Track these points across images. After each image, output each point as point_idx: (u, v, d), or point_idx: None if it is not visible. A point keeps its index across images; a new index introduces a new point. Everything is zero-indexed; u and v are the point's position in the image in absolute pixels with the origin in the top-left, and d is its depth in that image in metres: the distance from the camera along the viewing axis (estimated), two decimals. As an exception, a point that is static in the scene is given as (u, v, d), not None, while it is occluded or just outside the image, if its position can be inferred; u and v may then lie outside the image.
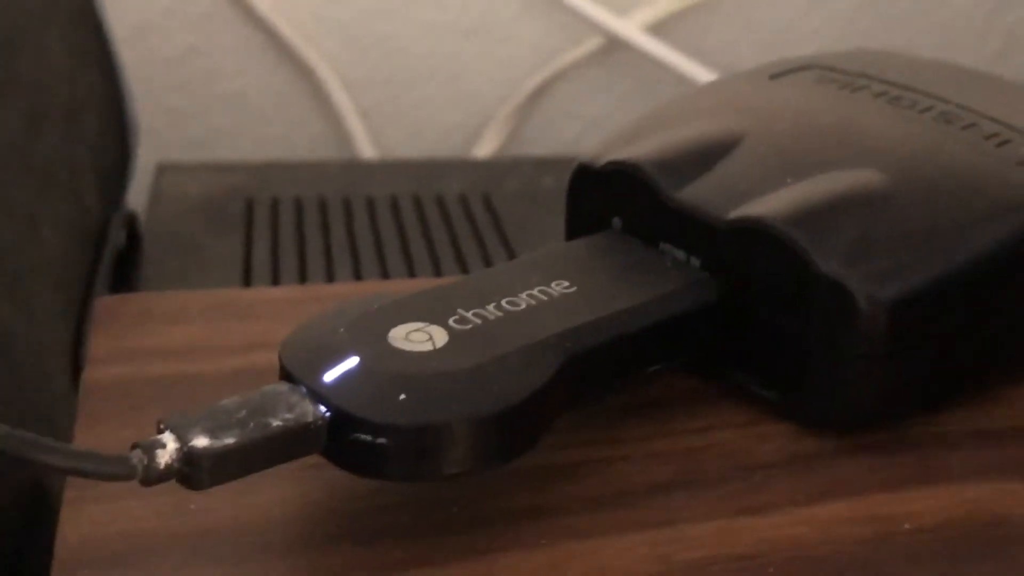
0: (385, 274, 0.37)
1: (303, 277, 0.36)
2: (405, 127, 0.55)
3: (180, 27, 0.52)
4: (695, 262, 0.22)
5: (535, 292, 0.20)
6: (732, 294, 0.21)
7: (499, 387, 0.18)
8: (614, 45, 0.54)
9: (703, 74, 0.52)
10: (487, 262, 0.38)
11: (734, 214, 0.21)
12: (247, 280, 0.36)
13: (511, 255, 0.38)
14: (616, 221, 0.23)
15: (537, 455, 0.19)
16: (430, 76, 0.54)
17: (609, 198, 0.23)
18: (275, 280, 0.36)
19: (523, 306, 0.20)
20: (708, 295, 0.21)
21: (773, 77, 0.26)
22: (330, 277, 0.36)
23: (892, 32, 0.56)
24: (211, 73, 0.53)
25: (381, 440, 0.17)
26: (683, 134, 0.23)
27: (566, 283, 0.21)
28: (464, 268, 0.38)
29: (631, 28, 0.53)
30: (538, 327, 0.19)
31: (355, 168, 0.50)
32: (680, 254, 0.22)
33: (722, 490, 0.20)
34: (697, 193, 0.22)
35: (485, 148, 0.54)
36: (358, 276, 0.36)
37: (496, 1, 0.54)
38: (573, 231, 0.24)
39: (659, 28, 0.54)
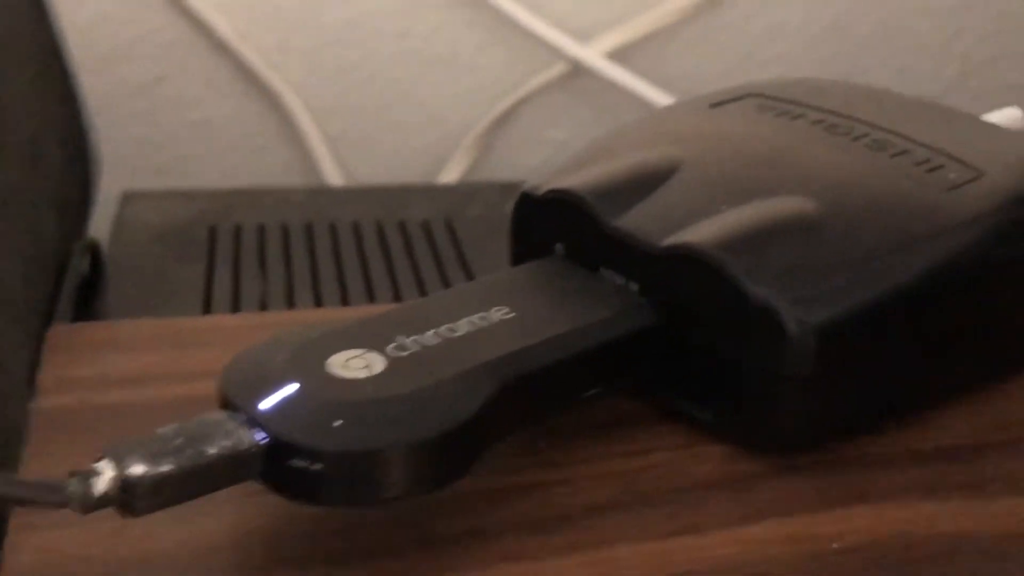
0: (346, 301, 0.37)
1: (264, 304, 0.36)
2: (372, 154, 0.55)
3: (146, 56, 0.52)
4: (634, 288, 0.22)
5: (474, 318, 0.21)
6: (669, 319, 0.22)
7: (434, 413, 0.18)
8: (578, 71, 0.54)
9: (665, 99, 0.53)
10: (447, 287, 0.38)
11: (668, 241, 0.21)
12: (208, 308, 0.36)
13: (471, 279, 0.39)
14: (559, 248, 0.23)
15: (475, 479, 0.19)
16: (396, 103, 0.55)
17: (551, 226, 0.23)
18: (236, 307, 0.36)
19: (462, 332, 0.20)
20: (645, 320, 0.22)
21: (714, 105, 0.26)
22: (291, 304, 0.36)
23: (852, 59, 0.57)
24: (178, 101, 0.53)
25: (316, 466, 0.18)
26: (622, 163, 0.23)
27: (505, 309, 0.21)
28: (424, 293, 0.38)
29: (594, 55, 0.54)
30: (475, 353, 0.20)
31: (319, 195, 0.50)
32: (620, 280, 0.22)
33: (658, 511, 0.20)
34: (634, 220, 0.22)
35: (451, 174, 0.55)
36: (319, 303, 0.37)
37: (461, 29, 0.54)
38: (518, 258, 0.24)
39: (621, 54, 0.54)
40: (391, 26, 0.54)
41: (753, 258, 0.21)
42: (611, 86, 0.54)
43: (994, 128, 0.26)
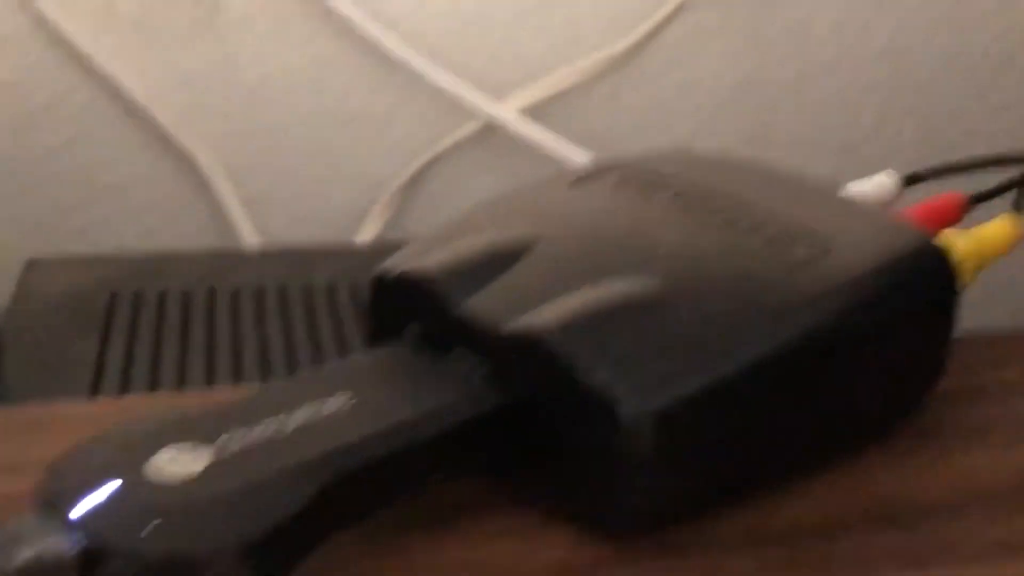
0: (239, 371, 0.37)
1: (154, 377, 0.36)
2: (289, 213, 0.55)
3: (60, 120, 0.52)
4: (481, 372, 0.22)
5: (311, 408, 0.20)
6: (514, 403, 0.21)
7: (252, 514, 0.18)
8: (492, 128, 0.55)
9: (580, 155, 0.53)
10: (344, 354, 0.38)
11: (510, 325, 0.21)
12: (97, 384, 0.36)
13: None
14: (412, 330, 0.23)
15: (308, 572, 0.19)
16: (312, 162, 0.55)
17: (404, 308, 0.23)
18: (126, 382, 0.36)
19: (296, 424, 0.20)
20: (489, 404, 0.21)
21: (575, 182, 0.26)
22: (182, 375, 0.36)
23: (764, 114, 0.57)
24: (91, 164, 0.53)
25: (131, 572, 0.17)
26: (475, 243, 0.23)
27: (346, 396, 0.21)
28: (322, 360, 0.38)
29: (507, 112, 0.54)
30: (305, 447, 0.19)
31: (227, 258, 0.50)
32: (470, 363, 0.22)
33: (499, 601, 0.20)
34: (480, 303, 0.22)
35: (369, 231, 0.55)
36: (211, 374, 0.36)
37: (376, 87, 0.54)
38: (375, 340, 0.24)
39: (535, 111, 0.55)
40: (306, 84, 0.54)
41: (591, 343, 0.21)
42: (526, 142, 0.54)
43: (852, 204, 0.26)
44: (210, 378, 0.36)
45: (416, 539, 0.21)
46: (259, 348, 0.38)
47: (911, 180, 0.30)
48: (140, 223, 0.54)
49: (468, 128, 0.54)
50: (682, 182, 0.26)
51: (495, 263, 0.23)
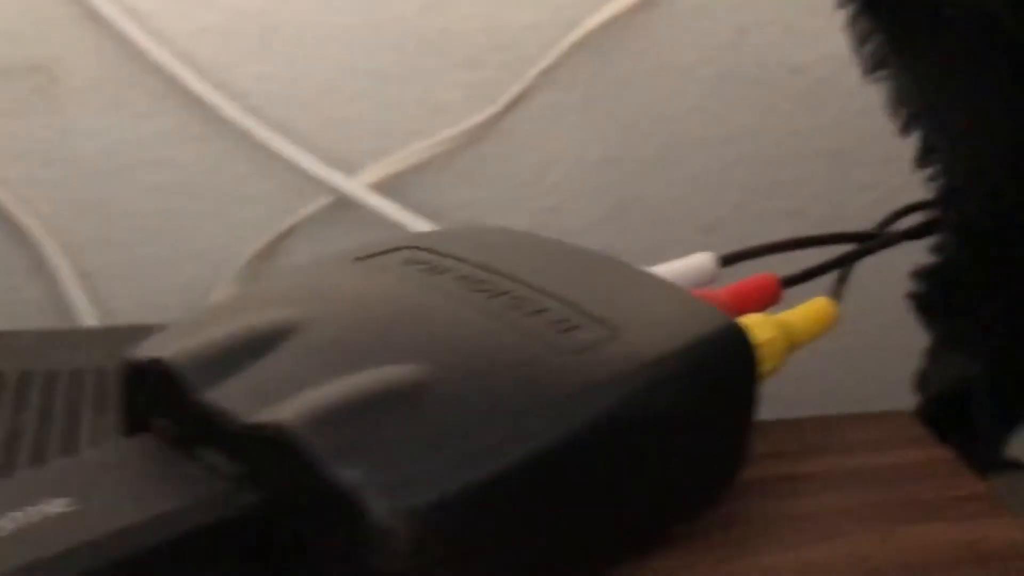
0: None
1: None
2: (130, 290, 0.53)
3: None
4: (231, 470, 0.20)
5: (23, 514, 0.18)
6: (260, 506, 0.20)
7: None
8: (344, 204, 0.53)
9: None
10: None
11: (254, 416, 0.19)
12: None
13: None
14: (160, 424, 0.21)
15: None
16: (155, 237, 0.53)
17: (152, 397, 0.21)
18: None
19: (5, 531, 0.18)
20: (231, 509, 0.19)
21: (359, 259, 0.25)
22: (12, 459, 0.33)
23: (627, 189, 0.57)
24: (-83, 238, 0.50)
25: None
26: (228, 328, 0.21)
27: (65, 500, 0.19)
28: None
29: (359, 187, 0.52)
30: (4, 558, 0.17)
31: (51, 337, 0.47)
32: (213, 462, 0.20)
33: None
34: (226, 393, 0.20)
35: (217, 310, 0.53)
36: (39, 452, 0.34)
37: (221, 162, 0.52)
38: (128, 431, 0.22)
39: (389, 185, 0.53)
40: (149, 156, 0.52)
41: (341, 435, 0.19)
42: (379, 218, 0.52)
43: (653, 284, 0.25)
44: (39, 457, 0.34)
45: (147, 658, 0.19)
46: (68, 434, 0.36)
47: (728, 260, 0.29)
48: (-29, 300, 0.51)
49: (319, 203, 0.53)
50: (470, 263, 0.24)
51: (249, 350, 0.21)
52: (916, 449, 0.26)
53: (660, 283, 0.25)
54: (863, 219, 0.34)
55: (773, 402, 0.26)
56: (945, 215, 0.30)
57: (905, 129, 0.29)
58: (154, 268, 0.53)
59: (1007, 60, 0.28)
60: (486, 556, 0.20)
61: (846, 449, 0.26)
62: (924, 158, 0.29)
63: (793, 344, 0.26)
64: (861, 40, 0.30)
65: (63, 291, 0.51)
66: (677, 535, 0.23)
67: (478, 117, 0.53)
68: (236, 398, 0.20)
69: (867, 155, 0.58)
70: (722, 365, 0.23)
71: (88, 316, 0.51)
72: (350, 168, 0.53)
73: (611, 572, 0.22)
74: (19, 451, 0.35)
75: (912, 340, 0.34)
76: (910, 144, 0.31)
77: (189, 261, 0.53)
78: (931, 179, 0.29)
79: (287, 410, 0.19)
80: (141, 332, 0.46)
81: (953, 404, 0.32)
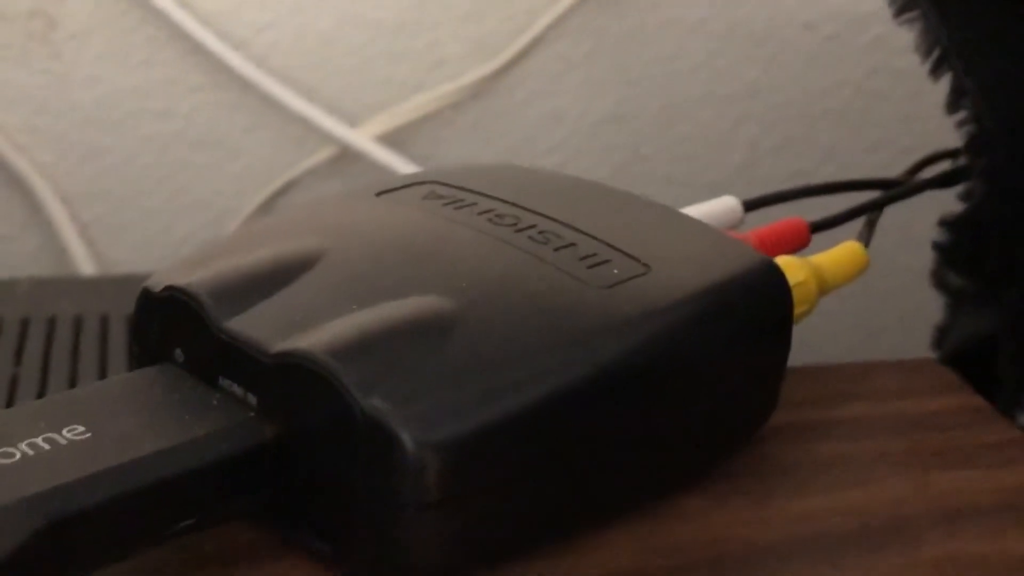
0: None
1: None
2: (129, 242, 0.52)
3: None
4: (252, 400, 0.19)
5: (38, 441, 0.18)
6: (282, 437, 0.19)
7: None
8: (347, 155, 0.52)
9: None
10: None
11: (280, 346, 0.19)
12: None
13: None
14: (178, 354, 0.20)
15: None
16: (155, 189, 0.52)
17: (170, 327, 0.20)
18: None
19: (16, 458, 0.17)
20: (251, 439, 0.19)
21: (380, 193, 0.24)
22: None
23: (633, 147, 0.56)
24: (-89, 186, 0.49)
25: None
26: (251, 257, 0.21)
27: (80, 428, 0.18)
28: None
29: (363, 138, 0.51)
30: (20, 485, 0.17)
31: (48, 285, 0.46)
32: (238, 392, 0.19)
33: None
34: (249, 322, 0.19)
35: (216, 263, 0.52)
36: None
37: (225, 111, 0.51)
38: (140, 363, 0.21)
39: (392, 138, 0.52)
40: (149, 106, 0.51)
41: (368, 366, 0.18)
42: (382, 170, 0.51)
43: (685, 221, 0.24)
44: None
45: (165, 593, 0.19)
46: (70, 378, 0.35)
47: (752, 205, 0.28)
48: (-33, 250, 0.51)
49: (322, 155, 0.52)
50: (495, 198, 0.23)
51: (272, 279, 0.20)
52: (948, 396, 0.26)
53: (691, 221, 0.24)
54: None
55: (804, 349, 0.25)
56: (973, 162, 0.29)
57: (934, 72, 0.29)
58: (154, 219, 0.52)
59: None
60: (511, 489, 0.19)
61: (878, 395, 0.25)
62: (954, 103, 0.29)
63: (825, 287, 0.25)
64: (889, -19, 0.29)
65: (61, 241, 0.51)
66: (708, 478, 0.22)
67: (482, 70, 0.52)
68: (260, 327, 0.19)
69: (877, 114, 0.58)
70: (758, 302, 0.22)
71: (86, 266, 0.51)
72: (353, 120, 0.52)
73: (640, 511, 0.21)
74: (21, 398, 0.35)
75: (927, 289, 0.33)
76: (920, 105, 0.31)
77: (190, 212, 0.52)
78: (960, 124, 0.29)
79: (315, 340, 0.19)
80: (142, 281, 0.46)
81: (974, 359, 0.32)
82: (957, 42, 0.28)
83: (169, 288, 0.20)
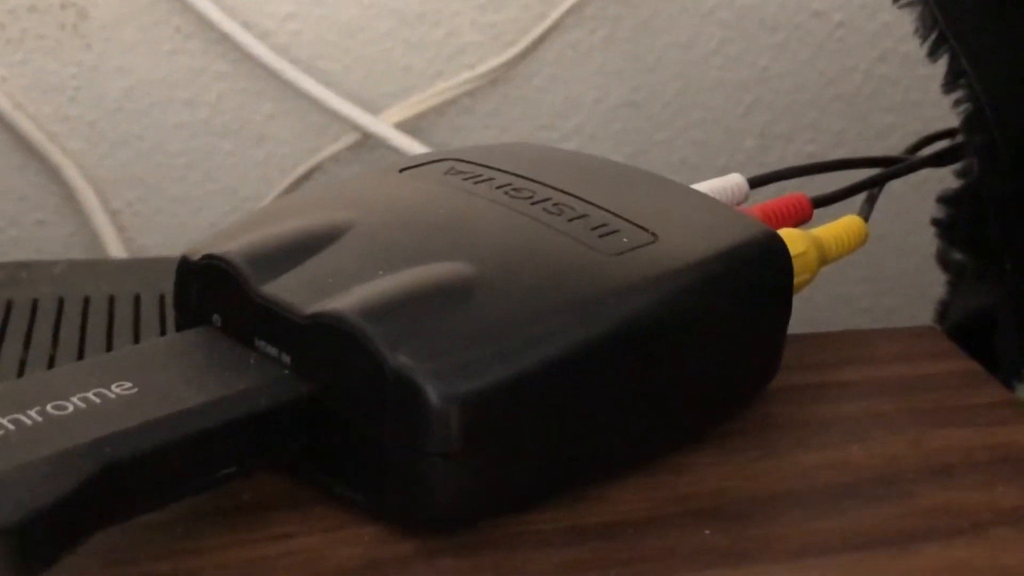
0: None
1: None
2: (158, 227, 0.54)
3: (-86, 126, 0.50)
4: (286, 360, 0.21)
5: (89, 395, 0.19)
6: (316, 393, 0.20)
7: (14, 497, 0.17)
8: (369, 143, 0.53)
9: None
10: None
11: (313, 308, 0.20)
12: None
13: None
14: (216, 318, 0.22)
15: (99, 565, 0.18)
16: (183, 175, 0.53)
17: (208, 293, 0.22)
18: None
19: (70, 410, 0.19)
20: (287, 394, 0.20)
21: (403, 170, 0.25)
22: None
23: (648, 133, 0.57)
24: (-52, 173, 0.51)
25: None
26: (284, 227, 0.22)
27: (128, 384, 0.19)
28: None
29: (384, 126, 0.53)
30: (75, 433, 0.18)
31: (81, 267, 0.48)
32: (273, 352, 0.21)
33: (289, 601, 0.19)
34: (283, 287, 0.21)
35: (242, 247, 0.53)
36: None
37: (249, 99, 0.53)
38: (179, 328, 0.23)
39: (412, 125, 0.54)
40: (176, 95, 0.52)
41: (396, 326, 0.20)
42: (403, 156, 0.53)
43: (692, 195, 0.25)
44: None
45: (208, 535, 0.20)
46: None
47: (756, 183, 0.29)
48: (3, 235, 0.52)
49: (344, 142, 0.53)
50: (512, 173, 0.25)
51: (303, 248, 0.22)
52: (943, 361, 0.27)
53: (699, 195, 0.25)
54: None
55: (804, 320, 0.27)
56: (969, 139, 0.30)
57: (932, 54, 0.30)
58: (182, 206, 0.53)
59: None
60: (527, 441, 0.20)
61: (875, 360, 0.27)
62: (950, 83, 0.30)
63: (825, 258, 0.26)
64: (890, -33, 0.31)
65: (92, 227, 0.52)
66: (711, 435, 0.23)
67: (500, 59, 0.54)
68: (293, 291, 0.21)
69: (886, 100, 0.59)
70: (760, 270, 0.23)
71: (116, 252, 0.52)
72: (374, 108, 0.53)
73: (647, 465, 0.22)
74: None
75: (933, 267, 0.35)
76: (928, 90, 0.32)
77: (216, 198, 0.54)
78: (956, 103, 0.30)
79: (344, 301, 0.20)
80: (173, 263, 0.47)
81: (974, 332, 0.33)
82: (952, 23, 0.29)
83: (207, 256, 0.22)
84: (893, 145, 0.59)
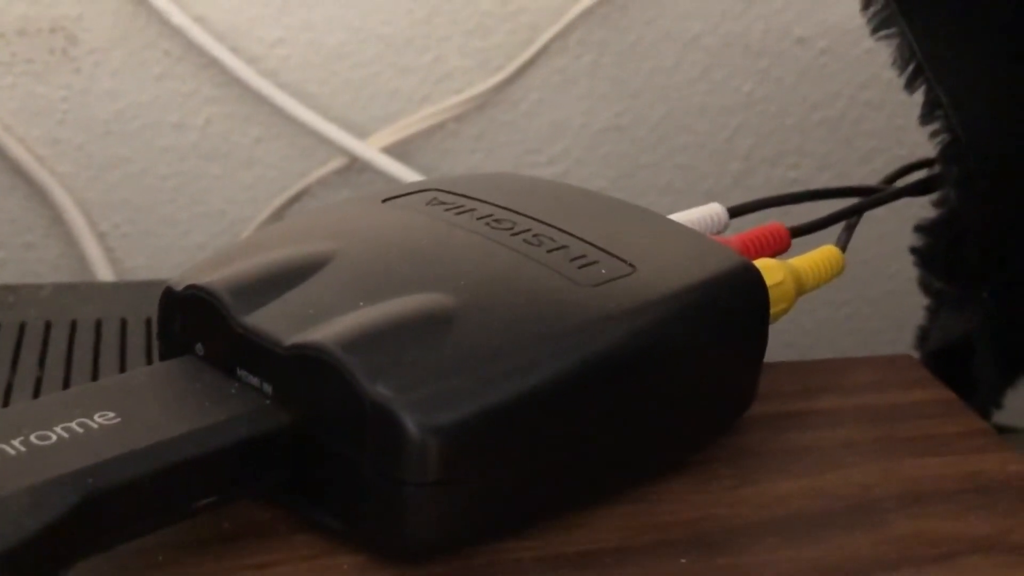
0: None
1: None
2: (146, 249, 0.54)
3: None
4: (267, 389, 0.21)
5: (72, 425, 0.19)
6: (296, 422, 0.21)
7: (-4, 527, 0.17)
8: (356, 167, 0.54)
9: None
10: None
11: (293, 339, 0.20)
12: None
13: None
14: (199, 347, 0.22)
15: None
16: (171, 198, 0.54)
17: (191, 323, 0.22)
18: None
19: (53, 440, 0.19)
20: (268, 424, 0.20)
21: (385, 200, 0.26)
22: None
23: (633, 157, 0.57)
24: (-64, 196, 0.51)
25: None
26: (265, 257, 0.22)
27: (111, 414, 0.20)
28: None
29: (371, 150, 0.53)
30: (58, 464, 0.18)
31: (68, 291, 0.48)
32: (254, 381, 0.21)
33: (268, 629, 0.19)
34: (265, 318, 0.21)
35: (229, 270, 0.53)
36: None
37: (237, 123, 0.53)
38: (163, 357, 0.23)
39: (400, 149, 0.54)
40: (165, 118, 0.53)
41: (375, 357, 0.20)
42: (390, 181, 0.53)
43: (671, 226, 0.26)
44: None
45: (189, 564, 0.20)
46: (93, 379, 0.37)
47: (736, 212, 0.30)
48: (-10, 257, 0.52)
49: (331, 166, 0.54)
50: (493, 204, 0.25)
51: (285, 278, 0.22)
52: (918, 389, 0.27)
53: (676, 226, 0.26)
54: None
55: (787, 344, 0.27)
56: (946, 170, 0.30)
57: (909, 86, 0.30)
58: (169, 228, 0.54)
59: (1007, 18, 0.29)
60: (505, 470, 0.21)
61: (851, 389, 0.27)
62: (928, 114, 0.30)
63: (802, 288, 0.27)
64: (866, 1, 0.31)
65: (80, 249, 0.52)
66: (688, 464, 0.24)
67: (487, 83, 0.54)
68: (275, 322, 0.21)
69: (869, 125, 0.59)
70: (736, 301, 0.24)
71: (104, 274, 0.52)
72: (362, 132, 0.54)
73: (624, 493, 0.23)
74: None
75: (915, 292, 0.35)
76: (911, 115, 0.32)
77: (204, 221, 0.54)
78: (934, 135, 0.30)
79: (325, 332, 0.20)
80: (160, 287, 0.48)
81: (953, 359, 0.33)
82: (928, 56, 0.29)
83: (190, 287, 0.22)
84: (877, 169, 0.59)
